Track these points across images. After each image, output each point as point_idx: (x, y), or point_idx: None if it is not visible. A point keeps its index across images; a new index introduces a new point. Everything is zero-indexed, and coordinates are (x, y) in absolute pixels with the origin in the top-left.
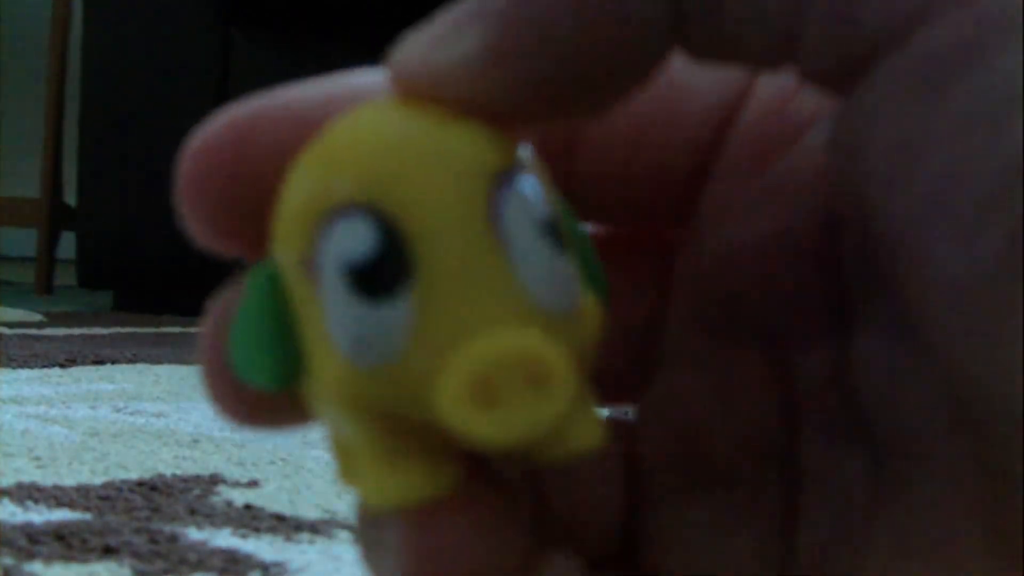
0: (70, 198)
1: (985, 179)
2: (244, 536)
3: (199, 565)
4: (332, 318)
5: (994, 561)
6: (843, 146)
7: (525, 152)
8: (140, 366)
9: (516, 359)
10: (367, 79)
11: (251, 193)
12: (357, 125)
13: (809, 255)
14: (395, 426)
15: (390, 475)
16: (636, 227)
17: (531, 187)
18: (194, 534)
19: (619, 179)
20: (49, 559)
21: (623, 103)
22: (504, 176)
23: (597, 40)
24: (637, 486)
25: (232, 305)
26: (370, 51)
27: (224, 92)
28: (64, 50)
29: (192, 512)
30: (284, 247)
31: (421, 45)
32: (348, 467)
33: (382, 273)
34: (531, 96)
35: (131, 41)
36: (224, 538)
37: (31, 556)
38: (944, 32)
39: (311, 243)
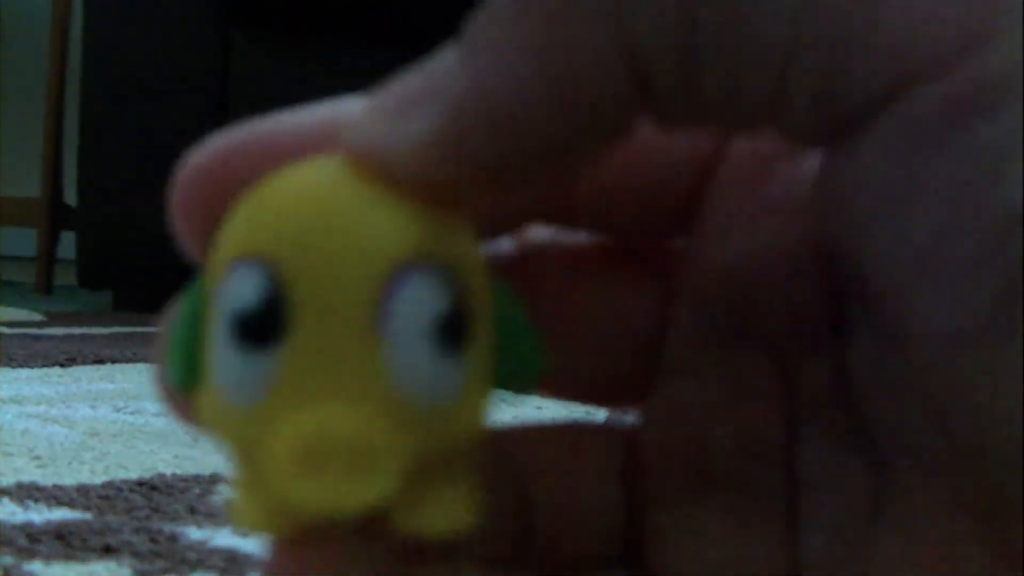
0: (70, 198)
1: (972, 239)
2: (244, 535)
3: (199, 564)
4: (217, 354)
5: (995, 564)
6: (829, 198)
7: (452, 240)
8: (140, 366)
9: (342, 437)
10: (351, 112)
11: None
12: (288, 182)
13: (809, 266)
14: (259, 467)
15: (245, 503)
16: (639, 240)
17: (435, 287)
18: (194, 533)
19: (620, 195)
20: (49, 558)
21: (588, 171)
22: (409, 269)
23: (554, 125)
24: (639, 489)
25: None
26: (370, 51)
27: (224, 92)
28: (64, 50)
29: (192, 511)
30: (209, 276)
31: (375, 120)
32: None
33: (259, 325)
34: (483, 179)
35: (131, 41)
36: (224, 537)
37: (31, 555)
38: (933, 95)
39: (219, 280)
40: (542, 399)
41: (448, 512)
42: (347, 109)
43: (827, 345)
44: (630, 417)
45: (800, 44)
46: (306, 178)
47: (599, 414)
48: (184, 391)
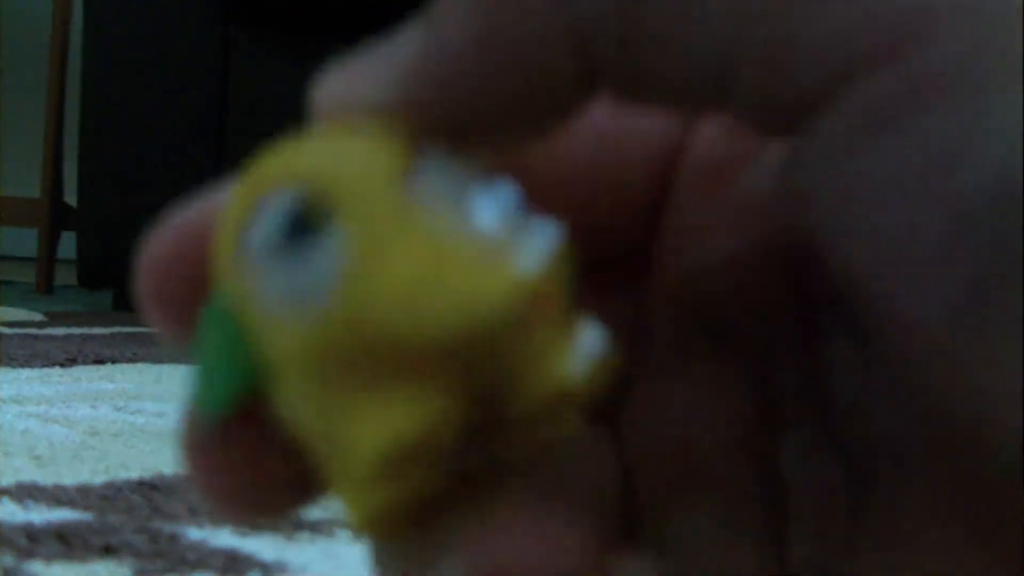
0: (70, 198)
1: (939, 227)
2: (244, 535)
3: (199, 564)
4: (270, 287)
5: (981, 562)
6: (789, 192)
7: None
8: (140, 365)
9: (450, 255)
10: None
11: (200, 290)
12: (278, 152)
13: (778, 266)
14: (363, 371)
15: (371, 416)
16: (604, 248)
17: (450, 162)
18: (194, 533)
19: (578, 210)
20: (49, 558)
21: (546, 140)
22: (419, 154)
23: (504, 94)
24: (629, 495)
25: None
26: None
27: (224, 92)
28: (64, 50)
29: (192, 511)
30: (220, 267)
31: (340, 89)
32: (333, 444)
33: (307, 220)
34: (453, 132)
35: (131, 41)
36: (224, 537)
37: (31, 555)
38: (881, 84)
39: (242, 241)
40: None
41: (571, 361)
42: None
43: (801, 347)
44: (611, 425)
45: (740, 30)
46: (289, 143)
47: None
48: (227, 408)
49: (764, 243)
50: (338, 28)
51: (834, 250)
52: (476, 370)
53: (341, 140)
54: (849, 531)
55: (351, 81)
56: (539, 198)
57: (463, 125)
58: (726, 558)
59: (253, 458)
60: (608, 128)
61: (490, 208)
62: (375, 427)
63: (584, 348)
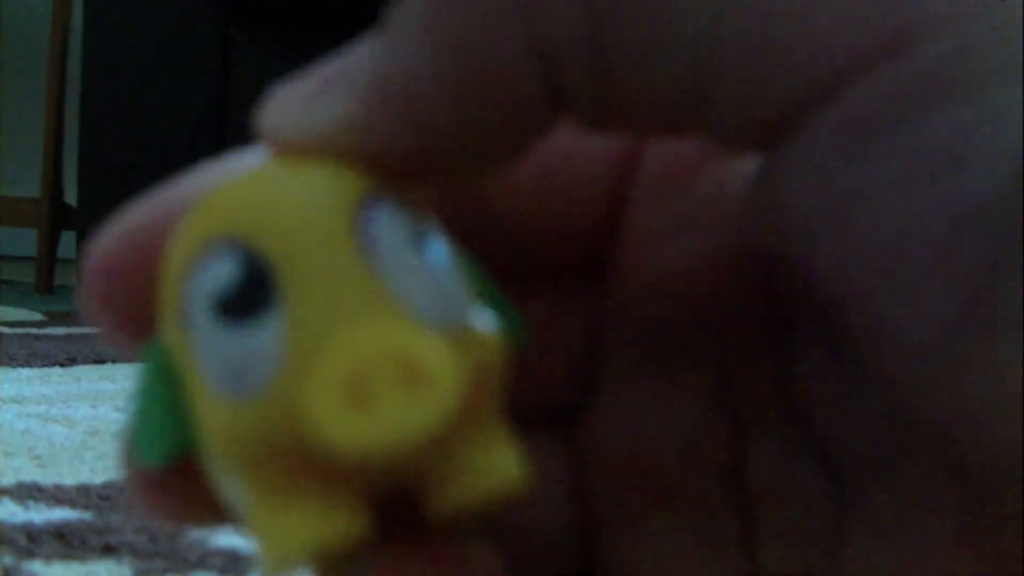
0: (71, 198)
1: (933, 237)
2: (244, 535)
3: (199, 564)
4: (204, 357)
5: (971, 563)
6: (767, 206)
7: (400, 189)
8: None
9: (387, 354)
10: (246, 163)
11: (149, 295)
12: (222, 184)
13: (741, 274)
14: (286, 468)
15: (283, 519)
16: (564, 255)
17: (401, 209)
18: (194, 533)
19: (533, 218)
20: (49, 558)
21: (507, 167)
22: (368, 200)
23: (466, 117)
24: (590, 508)
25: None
26: None
27: (224, 92)
28: (64, 50)
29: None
30: (163, 310)
31: (290, 106)
32: (249, 528)
33: (246, 297)
34: (399, 161)
35: (131, 41)
36: (224, 537)
37: (31, 555)
38: (868, 92)
39: (182, 294)
40: None
41: (496, 464)
42: (238, 167)
43: (768, 355)
44: (572, 433)
45: (718, 44)
46: (238, 177)
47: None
48: (162, 463)
49: (724, 251)
50: (338, 28)
51: (817, 259)
52: (391, 477)
53: (288, 181)
54: (829, 534)
55: (302, 104)
56: (494, 205)
57: (421, 152)
58: (691, 567)
59: (188, 504)
60: (563, 134)
61: (436, 277)
62: (280, 531)
63: (499, 462)
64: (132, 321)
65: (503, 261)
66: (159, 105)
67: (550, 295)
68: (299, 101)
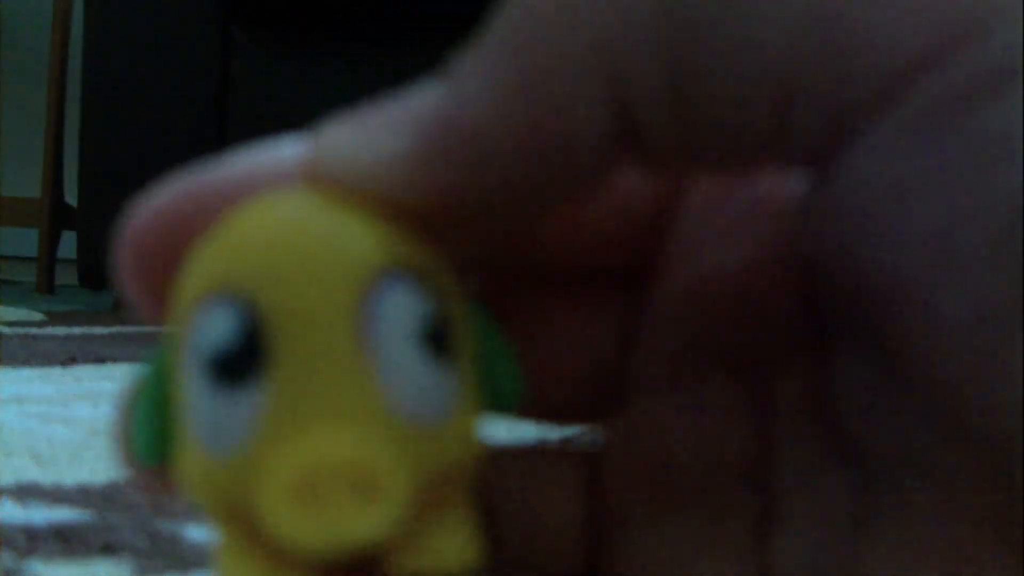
0: (71, 198)
1: (987, 224)
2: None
3: (199, 564)
4: (192, 403)
5: (1008, 563)
6: (821, 209)
7: (427, 257)
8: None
9: (342, 463)
10: (293, 154)
11: (172, 279)
12: (251, 214)
13: (780, 283)
14: (249, 524)
15: (242, 568)
16: (606, 259)
17: (416, 293)
18: (194, 533)
19: (576, 225)
20: (49, 558)
21: (568, 209)
22: (387, 278)
23: (530, 158)
24: (606, 507)
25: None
26: (370, 51)
27: (224, 92)
28: (65, 50)
29: (193, 511)
30: (171, 329)
31: (349, 139)
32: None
33: (236, 361)
34: (458, 202)
35: (131, 41)
36: None
37: (31, 555)
38: (937, 84)
39: (186, 324)
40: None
41: (453, 546)
42: (289, 151)
43: (803, 363)
44: (596, 436)
45: (802, 56)
46: (270, 208)
47: (564, 433)
48: (153, 464)
49: (770, 257)
50: (339, 29)
51: (868, 256)
52: (349, 562)
53: (310, 236)
54: (850, 534)
55: (359, 139)
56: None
57: (481, 193)
58: (706, 567)
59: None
60: None
61: (428, 374)
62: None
63: (453, 547)
64: (158, 298)
65: (543, 266)
66: (159, 105)
67: (586, 300)
68: (356, 136)
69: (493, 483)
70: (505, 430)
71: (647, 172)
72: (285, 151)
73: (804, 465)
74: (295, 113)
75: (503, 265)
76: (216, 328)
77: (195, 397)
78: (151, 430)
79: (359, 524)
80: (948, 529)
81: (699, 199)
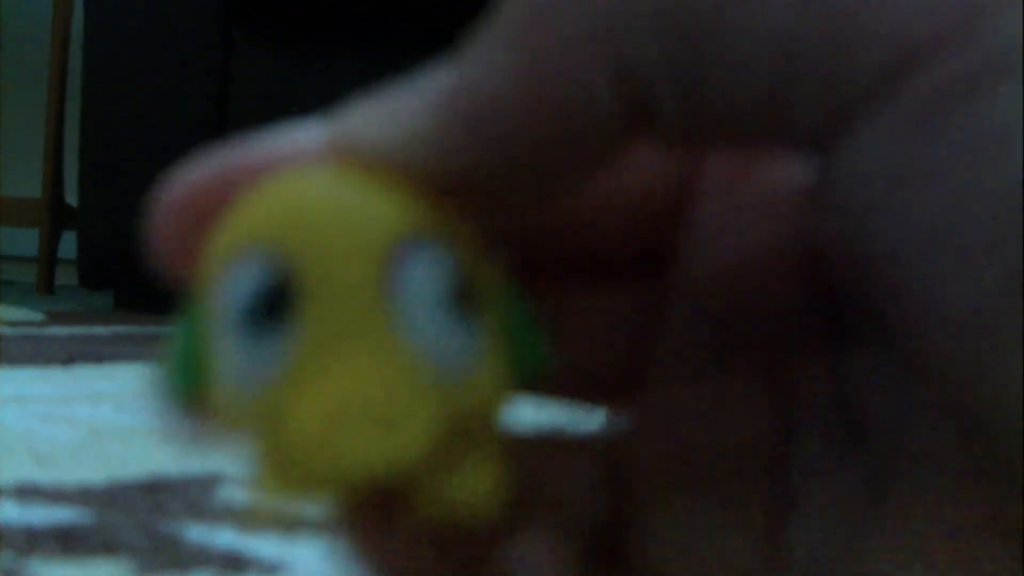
0: (71, 198)
1: (981, 217)
2: (245, 535)
3: (200, 564)
4: (224, 342)
5: (993, 548)
6: (828, 195)
7: (453, 228)
8: (141, 365)
9: (366, 398)
10: (316, 135)
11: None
12: (281, 183)
13: (800, 270)
14: (279, 450)
15: (276, 480)
16: (624, 247)
17: (440, 259)
18: (194, 533)
19: (598, 211)
20: (49, 558)
21: (584, 188)
22: (412, 245)
23: (544, 135)
24: (625, 491)
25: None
26: (370, 51)
27: (224, 92)
28: (65, 50)
29: (192, 511)
30: (203, 281)
31: (373, 118)
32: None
33: (268, 307)
34: (480, 177)
35: (132, 41)
36: (224, 537)
37: (31, 555)
38: (934, 75)
39: (222, 278)
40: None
41: (475, 485)
42: (313, 133)
43: (822, 350)
44: (619, 419)
45: (801, 43)
46: (302, 177)
47: (587, 415)
48: (187, 401)
49: (786, 245)
50: (339, 29)
51: (869, 248)
52: (377, 487)
53: (339, 202)
54: (863, 518)
55: (380, 117)
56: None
57: (497, 168)
58: (719, 552)
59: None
60: None
61: (450, 330)
62: (270, 489)
63: (474, 487)
64: (188, 259)
65: (564, 253)
66: (159, 105)
67: (610, 285)
68: (377, 114)
69: (515, 469)
70: (530, 414)
71: (660, 148)
72: (310, 132)
73: (821, 453)
74: (295, 113)
75: (528, 250)
76: (250, 277)
77: (229, 339)
78: (186, 373)
79: (379, 454)
80: (955, 522)
81: (718, 185)
